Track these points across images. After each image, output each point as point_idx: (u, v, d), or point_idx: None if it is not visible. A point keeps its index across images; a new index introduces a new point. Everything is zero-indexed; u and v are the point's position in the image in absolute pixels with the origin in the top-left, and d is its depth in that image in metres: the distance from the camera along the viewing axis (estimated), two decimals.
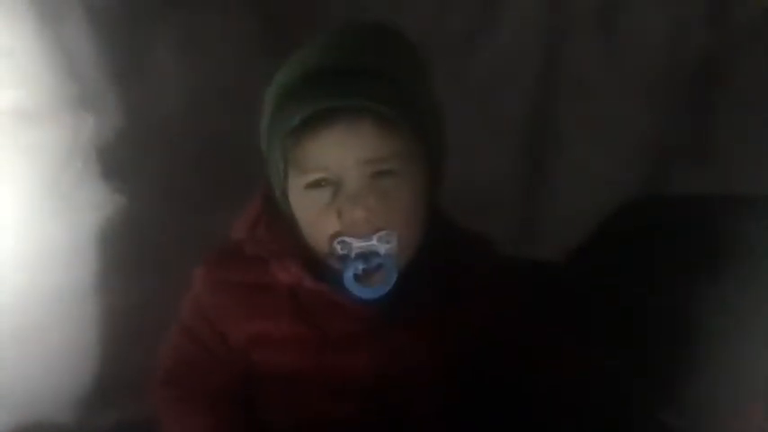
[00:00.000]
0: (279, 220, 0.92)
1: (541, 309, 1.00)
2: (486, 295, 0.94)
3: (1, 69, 1.04)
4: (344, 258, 0.86)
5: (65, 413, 1.07)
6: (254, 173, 0.97)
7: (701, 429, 0.88)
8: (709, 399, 0.89)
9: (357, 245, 0.85)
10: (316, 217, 0.86)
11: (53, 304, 1.07)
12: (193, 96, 1.16)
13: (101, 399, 1.08)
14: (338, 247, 0.86)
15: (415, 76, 0.88)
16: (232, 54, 1.19)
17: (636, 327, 1.01)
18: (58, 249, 1.08)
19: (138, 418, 0.99)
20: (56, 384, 1.07)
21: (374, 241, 0.85)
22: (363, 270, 0.85)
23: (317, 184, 0.85)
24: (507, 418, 0.93)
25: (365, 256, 0.85)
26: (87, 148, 1.09)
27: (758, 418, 0.87)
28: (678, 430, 0.89)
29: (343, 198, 0.84)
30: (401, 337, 0.90)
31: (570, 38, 1.27)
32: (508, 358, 0.95)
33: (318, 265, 0.89)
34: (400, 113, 0.83)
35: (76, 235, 1.09)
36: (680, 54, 1.23)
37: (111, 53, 1.10)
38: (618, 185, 1.23)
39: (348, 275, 0.85)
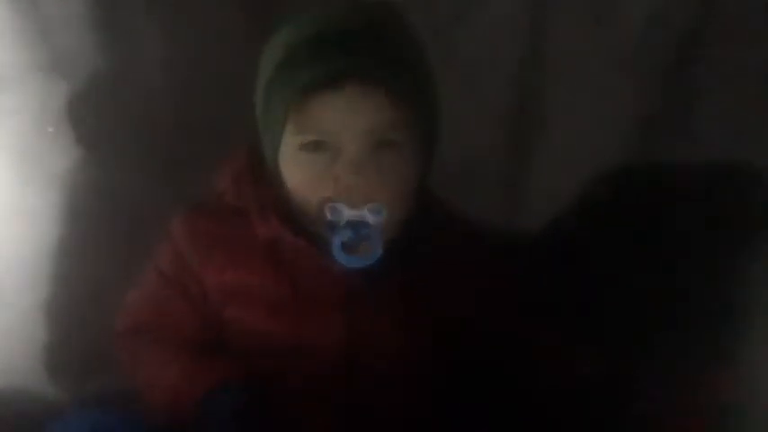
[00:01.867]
0: (263, 174, 0.91)
1: (523, 287, 0.99)
2: (470, 273, 0.94)
3: None
4: (333, 225, 0.85)
5: (36, 385, 1.06)
6: (230, 139, 0.96)
7: (668, 399, 0.88)
8: (675, 368, 0.89)
9: (348, 213, 0.85)
10: (309, 180, 0.86)
11: (25, 271, 1.06)
12: (169, 62, 1.14)
13: (77, 368, 1.07)
14: (328, 213, 0.85)
15: (418, 48, 0.88)
16: (211, 19, 1.16)
17: (606, 295, 1.01)
18: (30, 215, 1.06)
19: (118, 387, 0.98)
20: (30, 354, 1.06)
21: (366, 211, 0.85)
22: (350, 239, 0.85)
23: (314, 147, 0.85)
24: (491, 403, 0.92)
25: (354, 225, 0.85)
26: (59, 113, 1.07)
27: (726, 387, 0.87)
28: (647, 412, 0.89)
29: (342, 165, 0.83)
30: (377, 302, 0.89)
31: (555, 12, 1.25)
32: (491, 339, 0.94)
33: (298, 223, 0.89)
34: (410, 84, 0.84)
35: (49, 201, 1.07)
36: (666, 28, 1.21)
37: (85, 17, 1.08)
38: (604, 163, 1.21)
39: (336, 243, 0.85)
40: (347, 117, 0.82)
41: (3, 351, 1.04)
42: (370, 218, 0.85)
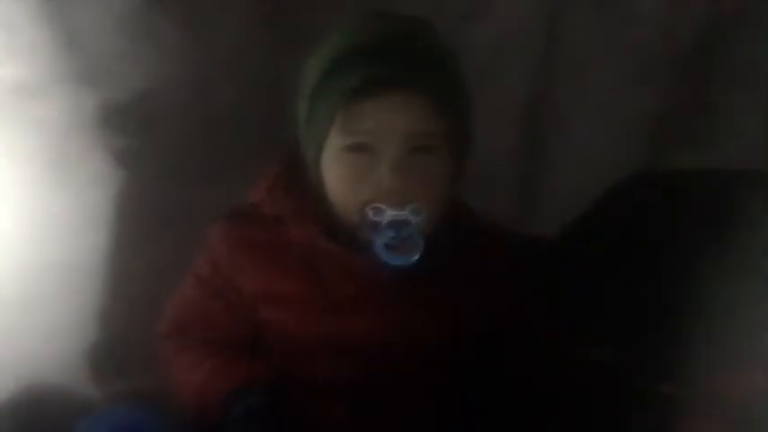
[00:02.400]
0: (297, 183, 0.94)
1: (539, 287, 1.02)
2: (490, 274, 0.97)
3: (3, 43, 1.04)
4: (375, 225, 0.89)
5: (73, 384, 1.08)
6: (257, 144, 0.97)
7: (696, 396, 0.90)
8: (702, 369, 0.91)
9: (391, 213, 0.88)
10: (351, 180, 0.89)
11: (59, 276, 1.07)
12: (196, 68, 1.16)
13: (109, 369, 1.09)
14: (371, 214, 0.88)
15: (458, 61, 0.92)
16: (234, 25, 1.19)
17: (630, 298, 1.02)
18: (64, 222, 1.08)
19: (146, 388, 1.01)
20: (63, 356, 1.08)
21: (407, 212, 0.88)
22: (392, 239, 0.88)
23: (357, 149, 0.88)
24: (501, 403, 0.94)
25: (397, 225, 0.88)
26: (90, 121, 1.09)
27: (752, 386, 0.89)
28: (675, 399, 0.90)
29: (384, 167, 0.87)
30: (407, 305, 0.92)
31: (568, 17, 1.27)
32: (515, 339, 0.97)
33: (333, 229, 0.92)
34: (453, 94, 0.89)
35: (81, 208, 1.09)
36: (678, 28, 1.23)
37: (114, 26, 1.10)
38: (618, 164, 1.23)
39: (380, 243, 0.88)
40: (393, 121, 0.87)
41: (46, 352, 1.07)
42: (412, 218, 0.88)
